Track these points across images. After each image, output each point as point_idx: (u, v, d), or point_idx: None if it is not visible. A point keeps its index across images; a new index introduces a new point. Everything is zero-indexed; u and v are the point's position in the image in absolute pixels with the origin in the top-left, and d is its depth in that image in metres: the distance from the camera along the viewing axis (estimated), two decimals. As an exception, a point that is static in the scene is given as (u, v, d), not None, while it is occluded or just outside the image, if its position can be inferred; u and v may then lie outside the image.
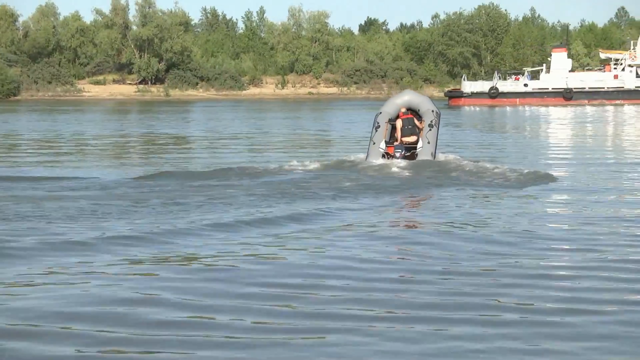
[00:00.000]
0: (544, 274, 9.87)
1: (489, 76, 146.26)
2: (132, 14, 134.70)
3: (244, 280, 9.42)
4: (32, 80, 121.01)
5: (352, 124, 50.33)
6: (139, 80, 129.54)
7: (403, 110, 22.75)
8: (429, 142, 21.85)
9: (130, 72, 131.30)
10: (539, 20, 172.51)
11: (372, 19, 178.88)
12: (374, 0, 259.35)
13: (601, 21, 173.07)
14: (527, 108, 79.85)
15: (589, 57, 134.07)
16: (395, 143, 22.24)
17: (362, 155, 22.66)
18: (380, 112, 22.92)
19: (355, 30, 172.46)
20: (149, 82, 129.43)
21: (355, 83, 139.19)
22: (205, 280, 9.45)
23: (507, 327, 7.77)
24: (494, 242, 11.79)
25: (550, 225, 13.45)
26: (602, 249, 11.33)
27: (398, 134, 22.38)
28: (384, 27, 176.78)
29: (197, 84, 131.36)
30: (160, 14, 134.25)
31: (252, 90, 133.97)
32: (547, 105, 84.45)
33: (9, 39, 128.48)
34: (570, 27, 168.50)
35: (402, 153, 21.85)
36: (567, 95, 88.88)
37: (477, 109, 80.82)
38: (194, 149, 32.13)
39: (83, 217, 13.71)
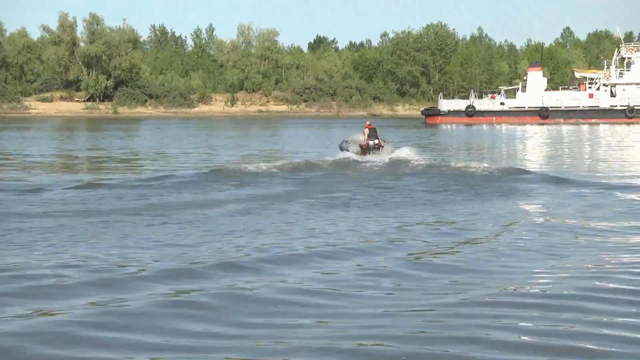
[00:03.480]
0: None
1: (437, 94, 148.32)
2: (80, 30, 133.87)
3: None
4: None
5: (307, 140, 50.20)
6: (87, 98, 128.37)
7: (368, 123, 35.21)
8: (387, 143, 34.55)
9: (78, 89, 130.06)
10: (487, 40, 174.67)
11: (322, 37, 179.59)
12: (323, 19, 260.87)
13: (547, 41, 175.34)
14: (503, 127, 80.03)
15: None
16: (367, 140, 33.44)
17: (348, 154, 32.36)
18: (347, 140, 34.77)
19: (305, 48, 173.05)
20: (97, 100, 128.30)
21: (305, 101, 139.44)
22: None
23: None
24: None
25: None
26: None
27: (366, 137, 33.44)
28: (333, 46, 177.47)
29: (145, 101, 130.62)
30: (108, 30, 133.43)
31: (202, 108, 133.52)
32: (523, 124, 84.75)
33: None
34: (517, 47, 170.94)
35: (374, 142, 33.06)
36: (544, 114, 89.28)
37: (454, 127, 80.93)
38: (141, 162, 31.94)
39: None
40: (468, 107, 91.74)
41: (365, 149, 32.79)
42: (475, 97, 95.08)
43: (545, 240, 13.67)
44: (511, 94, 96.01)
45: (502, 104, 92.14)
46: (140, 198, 19.66)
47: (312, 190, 21.83)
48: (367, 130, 33.52)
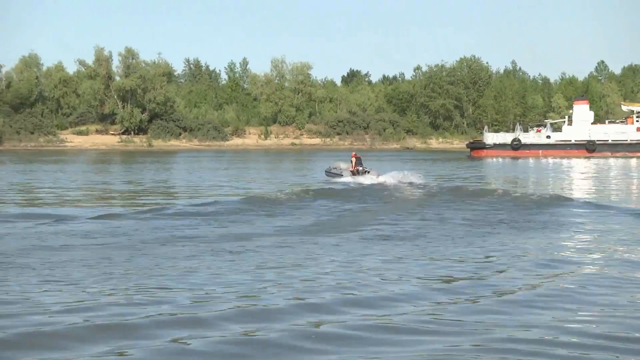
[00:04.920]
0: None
1: (470, 128, 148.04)
2: (116, 64, 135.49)
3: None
4: (14, 130, 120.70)
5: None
6: (122, 131, 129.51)
7: (354, 153, 43.03)
8: (372, 170, 40.21)
9: (113, 123, 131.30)
10: (520, 73, 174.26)
11: (355, 70, 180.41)
12: (357, 52, 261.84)
13: (581, 74, 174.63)
14: (550, 160, 79.07)
15: (570, 110, 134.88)
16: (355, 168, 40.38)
17: (344, 177, 39.49)
18: (337, 166, 42.60)
19: (338, 82, 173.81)
20: (132, 133, 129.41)
21: (338, 134, 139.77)
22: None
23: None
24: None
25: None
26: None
27: (353, 165, 40.55)
28: (366, 79, 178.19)
29: (180, 134, 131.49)
30: (143, 64, 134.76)
31: (235, 141, 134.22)
32: (570, 157, 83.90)
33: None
34: (551, 80, 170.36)
35: (362, 169, 40.02)
36: (590, 148, 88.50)
37: (500, 160, 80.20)
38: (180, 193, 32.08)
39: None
40: (514, 140, 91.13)
41: (355, 174, 39.47)
42: (521, 130, 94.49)
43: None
44: (558, 127, 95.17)
45: (548, 137, 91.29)
46: (177, 228, 19.59)
47: (345, 222, 21.72)
48: (354, 159, 40.91)
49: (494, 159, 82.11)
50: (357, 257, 15.00)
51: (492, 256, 15.24)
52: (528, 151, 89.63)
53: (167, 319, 9.71)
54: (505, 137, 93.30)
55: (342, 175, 40.33)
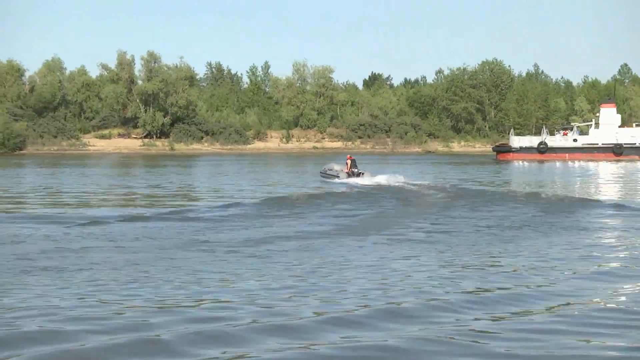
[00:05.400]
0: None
1: (492, 131, 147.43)
2: (138, 68, 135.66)
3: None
4: (37, 134, 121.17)
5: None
6: (144, 134, 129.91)
7: (349, 155, 46.66)
8: (366, 172, 43.09)
9: (135, 126, 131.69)
10: (543, 76, 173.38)
11: (376, 74, 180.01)
12: (378, 56, 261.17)
13: (604, 77, 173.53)
14: (576, 163, 78.56)
15: (593, 113, 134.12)
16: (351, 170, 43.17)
17: (340, 178, 42.37)
18: (332, 167, 45.64)
19: (360, 85, 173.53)
20: (154, 136, 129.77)
21: (360, 137, 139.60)
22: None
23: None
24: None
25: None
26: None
27: (348, 167, 43.53)
28: (388, 82, 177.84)
29: (202, 138, 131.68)
30: (165, 68, 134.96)
31: (257, 145, 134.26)
32: (596, 161, 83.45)
33: (15, 93, 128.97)
34: (574, 84, 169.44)
35: (357, 171, 42.96)
36: (618, 151, 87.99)
37: (526, 163, 79.71)
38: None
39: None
40: (540, 143, 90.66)
41: (350, 175, 42.59)
42: (547, 133, 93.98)
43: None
44: (584, 130, 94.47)
45: (575, 140, 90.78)
46: (200, 232, 19.60)
47: (373, 223, 21.68)
48: (349, 162, 44.06)
49: (520, 163, 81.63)
50: (387, 262, 14.76)
51: (525, 264, 14.83)
52: (554, 154, 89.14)
53: (194, 336, 9.25)
54: (532, 141, 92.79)
55: (338, 176, 43.06)
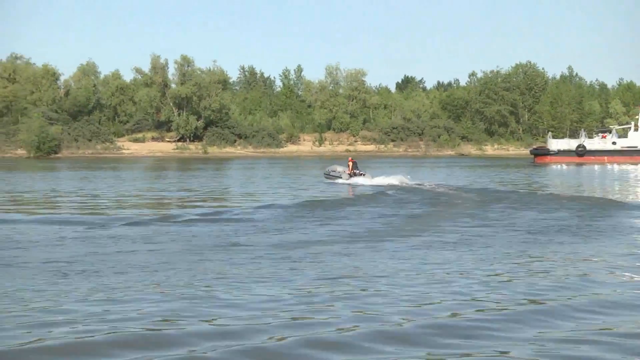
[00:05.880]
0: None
1: (526, 134, 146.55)
2: (172, 72, 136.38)
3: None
4: (72, 138, 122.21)
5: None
6: (178, 138, 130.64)
7: (350, 158, 51.58)
8: (367, 173, 46.27)
9: (169, 130, 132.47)
10: (577, 79, 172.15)
11: (409, 77, 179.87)
12: (411, 59, 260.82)
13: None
14: (615, 166, 77.68)
15: (628, 116, 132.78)
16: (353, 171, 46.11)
17: (343, 178, 45.60)
18: (334, 169, 47.91)
19: (392, 88, 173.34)
20: (188, 140, 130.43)
21: (393, 140, 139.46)
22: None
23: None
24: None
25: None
26: None
27: (350, 168, 46.41)
28: (420, 85, 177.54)
29: (235, 141, 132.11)
30: (199, 72, 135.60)
31: (290, 148, 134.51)
32: (636, 164, 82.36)
33: (50, 97, 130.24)
34: (609, 86, 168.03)
35: (358, 172, 45.94)
36: None
37: (565, 167, 78.99)
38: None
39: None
40: (578, 146, 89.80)
41: (352, 176, 45.70)
42: (586, 136, 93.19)
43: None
44: (623, 133, 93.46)
45: (614, 143, 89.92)
46: (235, 234, 19.60)
47: (409, 225, 21.64)
48: (350, 164, 47.13)
49: (559, 166, 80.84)
50: (432, 267, 14.40)
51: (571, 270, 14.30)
52: (593, 157, 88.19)
53: (233, 351, 8.80)
54: (570, 144, 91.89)
55: (341, 177, 46.33)
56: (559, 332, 9.51)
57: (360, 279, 12.95)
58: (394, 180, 42.44)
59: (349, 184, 43.66)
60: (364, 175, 45.68)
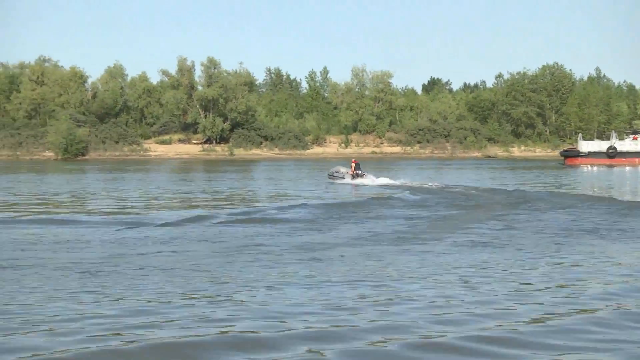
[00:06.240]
0: None
1: (553, 136, 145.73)
2: (198, 74, 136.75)
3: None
4: (99, 140, 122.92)
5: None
6: (204, 140, 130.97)
7: (353, 158, 54.67)
8: (369, 174, 48.77)
9: (195, 132, 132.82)
10: (605, 80, 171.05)
11: (436, 78, 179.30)
12: (437, 61, 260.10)
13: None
14: None
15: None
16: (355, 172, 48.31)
17: (345, 179, 47.81)
18: (338, 170, 50.28)
19: (419, 90, 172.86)
20: (214, 142, 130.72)
21: (419, 142, 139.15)
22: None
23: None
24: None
25: None
26: None
27: (352, 169, 48.60)
28: (447, 87, 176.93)
29: (261, 143, 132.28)
30: (225, 74, 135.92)
31: (316, 150, 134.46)
32: None
33: (78, 99, 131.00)
34: (637, 87, 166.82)
35: (360, 173, 48.27)
36: None
37: (595, 168, 78.51)
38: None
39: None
40: (609, 148, 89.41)
41: (354, 177, 48.08)
42: (617, 138, 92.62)
43: None
44: None
45: None
46: (262, 235, 19.57)
47: (433, 228, 21.52)
48: (353, 165, 49.53)
49: (590, 167, 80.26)
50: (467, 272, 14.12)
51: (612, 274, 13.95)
52: (624, 159, 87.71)
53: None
54: (601, 145, 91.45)
55: (344, 177, 48.63)
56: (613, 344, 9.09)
57: (392, 283, 12.82)
58: (395, 181, 45.45)
59: (352, 184, 46.07)
60: (365, 175, 48.40)
